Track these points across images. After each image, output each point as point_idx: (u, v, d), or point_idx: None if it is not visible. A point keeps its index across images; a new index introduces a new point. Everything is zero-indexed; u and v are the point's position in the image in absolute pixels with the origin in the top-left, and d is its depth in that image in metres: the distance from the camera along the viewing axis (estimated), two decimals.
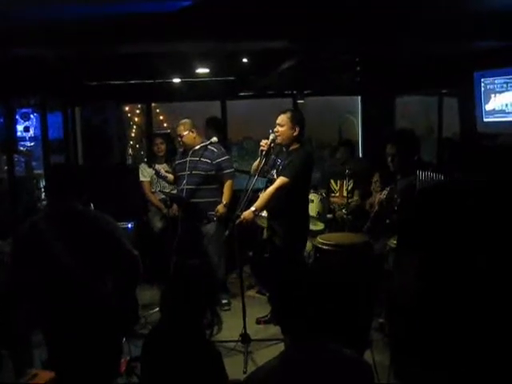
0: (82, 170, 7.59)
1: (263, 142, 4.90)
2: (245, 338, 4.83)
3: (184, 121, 5.82)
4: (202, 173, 5.67)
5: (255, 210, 4.78)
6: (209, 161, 5.70)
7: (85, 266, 3.11)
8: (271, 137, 4.89)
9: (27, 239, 3.18)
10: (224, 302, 5.82)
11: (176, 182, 6.02)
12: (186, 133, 5.73)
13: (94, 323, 3.12)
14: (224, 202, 5.71)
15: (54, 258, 3.08)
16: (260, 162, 4.89)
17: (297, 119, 4.94)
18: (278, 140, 4.92)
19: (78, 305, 3.11)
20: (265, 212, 5.31)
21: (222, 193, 5.79)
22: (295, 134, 4.92)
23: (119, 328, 3.34)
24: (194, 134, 5.76)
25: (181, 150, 6.00)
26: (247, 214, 4.74)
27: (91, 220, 3.29)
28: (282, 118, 4.92)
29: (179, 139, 5.85)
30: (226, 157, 5.86)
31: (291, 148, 4.97)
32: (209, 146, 5.75)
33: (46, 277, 3.15)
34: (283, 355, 2.22)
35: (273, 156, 5.09)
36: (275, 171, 5.02)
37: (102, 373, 3.21)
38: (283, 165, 4.94)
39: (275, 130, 4.93)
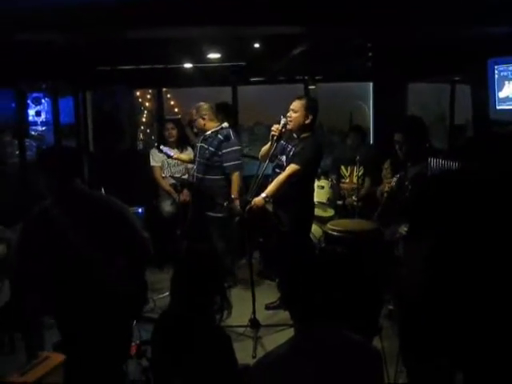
0: (93, 154, 7.63)
1: (274, 127, 4.87)
2: (254, 323, 4.86)
3: (197, 105, 5.77)
4: (208, 162, 5.63)
5: (266, 197, 4.78)
6: (215, 150, 5.64)
7: (96, 248, 3.11)
8: (282, 122, 4.86)
9: (37, 224, 3.18)
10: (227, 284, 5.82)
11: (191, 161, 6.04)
12: (195, 118, 5.72)
13: (105, 305, 3.14)
14: (232, 196, 5.54)
15: (64, 242, 3.08)
16: (271, 147, 4.88)
17: (311, 108, 4.93)
18: (289, 126, 4.90)
19: (89, 287, 3.12)
20: None
21: (229, 182, 5.68)
22: (307, 122, 4.91)
23: (129, 310, 3.36)
24: (204, 121, 5.71)
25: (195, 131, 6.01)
26: (258, 200, 4.75)
27: (102, 203, 3.31)
28: (297, 105, 4.89)
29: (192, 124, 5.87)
30: (234, 148, 5.69)
31: (302, 135, 4.96)
32: (218, 135, 5.66)
33: (56, 260, 3.15)
34: (292, 341, 2.23)
35: (282, 141, 5.06)
36: (284, 157, 5.00)
37: (112, 355, 3.24)
38: (294, 152, 4.92)
39: (288, 115, 4.90)
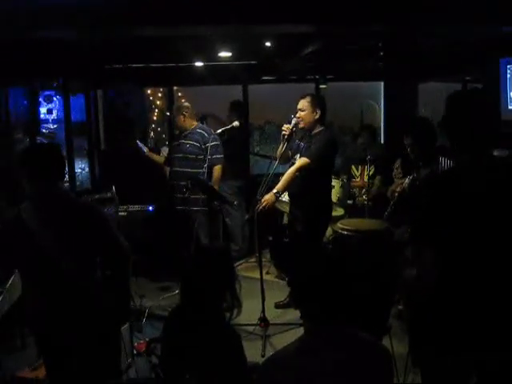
0: (104, 152, 7.66)
1: (285, 127, 4.91)
2: (263, 322, 4.86)
3: (176, 105, 6.14)
4: (191, 156, 5.78)
5: (277, 192, 4.79)
6: (198, 144, 5.78)
7: (71, 254, 2.98)
8: (293, 122, 4.90)
9: (13, 225, 3.03)
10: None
11: (166, 163, 6.23)
12: (177, 117, 5.91)
13: (82, 315, 3.00)
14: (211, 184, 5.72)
15: (38, 246, 2.93)
16: (282, 146, 4.91)
17: (317, 102, 4.97)
18: (301, 125, 4.94)
19: (65, 294, 2.99)
20: (286, 197, 5.31)
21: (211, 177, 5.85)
22: (317, 117, 4.94)
23: (108, 320, 3.17)
24: (183, 118, 5.87)
25: (177, 132, 6.22)
26: (269, 196, 4.76)
27: (81, 208, 3.18)
28: (303, 103, 4.93)
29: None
30: (216, 142, 5.89)
31: (314, 131, 4.98)
32: (198, 130, 5.86)
33: (31, 266, 3.03)
34: (302, 340, 2.23)
35: (297, 141, 5.09)
36: (298, 155, 5.01)
37: (95, 370, 3.04)
38: (306, 147, 4.94)
39: (297, 115, 4.92)
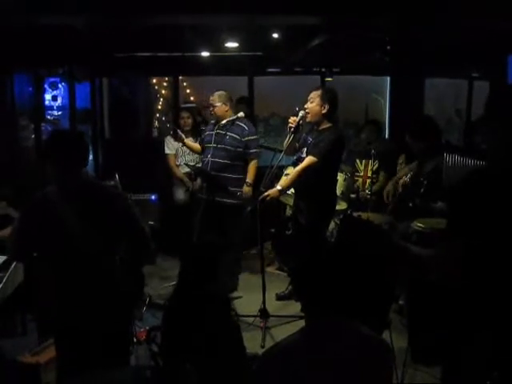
0: (109, 141, 7.66)
1: (291, 119, 4.87)
2: (264, 313, 4.87)
3: (220, 92, 5.80)
4: (229, 147, 5.67)
5: (281, 190, 4.80)
6: (238, 137, 5.71)
7: (95, 239, 3.01)
8: (300, 114, 4.87)
9: (36, 210, 3.08)
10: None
11: (202, 152, 6.02)
12: (218, 104, 5.72)
13: (100, 297, 3.05)
14: (248, 182, 5.75)
15: (63, 230, 2.98)
16: (288, 139, 4.89)
17: (327, 97, 4.89)
18: (308, 118, 4.90)
19: (86, 276, 3.03)
20: (291, 189, 5.31)
21: (245, 171, 5.81)
22: (324, 111, 4.87)
23: (124, 303, 3.24)
24: (227, 107, 5.75)
25: (212, 121, 5.98)
26: (273, 192, 4.76)
27: (107, 194, 3.23)
28: (313, 95, 4.90)
29: (211, 109, 5.83)
30: (255, 136, 5.89)
31: (322, 127, 4.93)
32: (237, 122, 5.75)
33: (53, 247, 3.07)
34: (302, 332, 2.23)
35: (304, 134, 5.06)
36: (305, 149, 4.99)
37: (110, 348, 3.07)
38: (313, 143, 4.91)
39: (305, 106, 4.90)
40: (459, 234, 2.40)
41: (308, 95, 4.92)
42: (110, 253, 3.18)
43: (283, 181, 4.89)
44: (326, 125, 4.92)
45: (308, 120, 4.91)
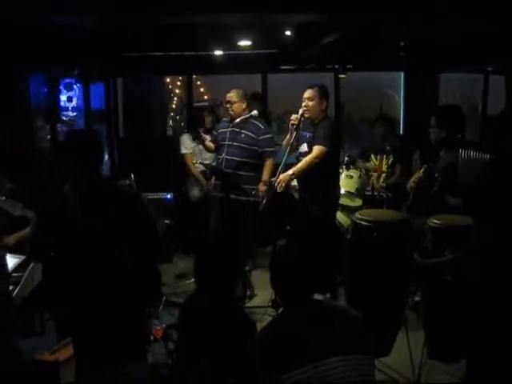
0: (123, 140, 7.71)
1: (293, 117, 4.97)
2: (275, 304, 4.87)
3: (237, 89, 5.76)
4: (244, 145, 5.65)
5: (292, 174, 4.83)
6: (254, 135, 5.67)
7: (110, 238, 3.03)
8: (301, 111, 4.94)
9: (53, 209, 3.10)
10: (248, 268, 5.76)
11: (216, 150, 5.95)
12: (237, 100, 5.69)
13: (117, 295, 3.05)
14: (264, 180, 5.62)
15: (78, 229, 2.99)
16: (291, 136, 4.95)
17: (324, 93, 5.04)
18: (307, 114, 4.97)
19: (101, 275, 3.04)
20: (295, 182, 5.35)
21: (261, 169, 5.73)
22: (323, 107, 5.02)
23: (141, 301, 3.26)
24: (244, 105, 5.72)
25: (225, 119, 5.96)
26: (284, 175, 4.78)
27: (123, 195, 3.25)
28: (312, 93, 4.99)
29: (228, 106, 5.81)
30: (270, 135, 5.83)
31: (317, 121, 5.02)
32: (253, 120, 5.70)
33: (69, 247, 3.07)
34: (283, 314, 2.54)
35: (300, 131, 5.11)
36: (305, 144, 5.05)
37: (127, 346, 3.09)
38: (316, 136, 4.96)
39: (304, 104, 4.96)
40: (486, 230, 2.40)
41: (303, 94, 5.01)
42: (124, 251, 3.16)
43: (295, 168, 4.91)
44: (321, 118, 5.04)
45: (307, 116, 4.98)
